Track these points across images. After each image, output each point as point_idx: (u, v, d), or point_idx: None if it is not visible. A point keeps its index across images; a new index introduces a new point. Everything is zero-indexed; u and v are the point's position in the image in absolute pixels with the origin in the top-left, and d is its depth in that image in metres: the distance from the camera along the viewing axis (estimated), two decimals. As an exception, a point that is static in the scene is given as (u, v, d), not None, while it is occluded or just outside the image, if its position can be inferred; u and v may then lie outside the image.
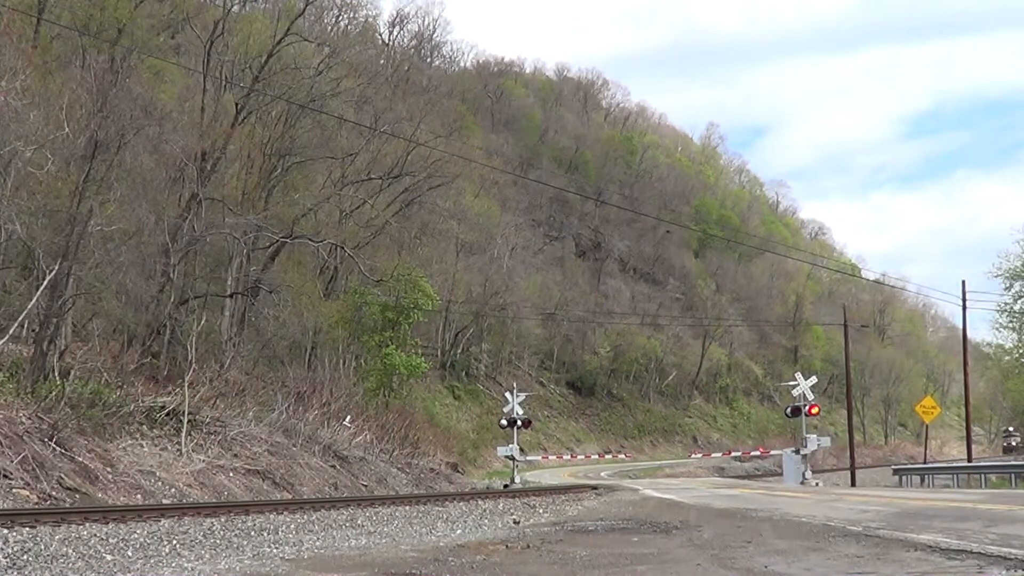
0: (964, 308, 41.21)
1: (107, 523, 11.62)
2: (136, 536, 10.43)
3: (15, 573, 7.86)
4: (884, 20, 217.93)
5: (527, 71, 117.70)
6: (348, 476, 24.62)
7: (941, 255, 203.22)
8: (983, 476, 32.31)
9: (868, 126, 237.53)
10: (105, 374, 20.54)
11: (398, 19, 79.96)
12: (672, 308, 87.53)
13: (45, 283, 20.22)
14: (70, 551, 9.09)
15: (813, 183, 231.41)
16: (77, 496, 15.20)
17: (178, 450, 19.32)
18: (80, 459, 16.21)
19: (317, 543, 10.61)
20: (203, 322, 27.79)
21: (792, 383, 31.68)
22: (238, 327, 34.76)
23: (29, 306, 20.38)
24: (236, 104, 35.50)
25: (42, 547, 9.23)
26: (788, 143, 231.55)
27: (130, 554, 9.20)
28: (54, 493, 14.75)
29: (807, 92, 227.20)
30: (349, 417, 29.37)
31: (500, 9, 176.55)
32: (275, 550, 9.78)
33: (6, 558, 8.49)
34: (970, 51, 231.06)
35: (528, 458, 39.94)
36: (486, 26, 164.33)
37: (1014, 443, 61.52)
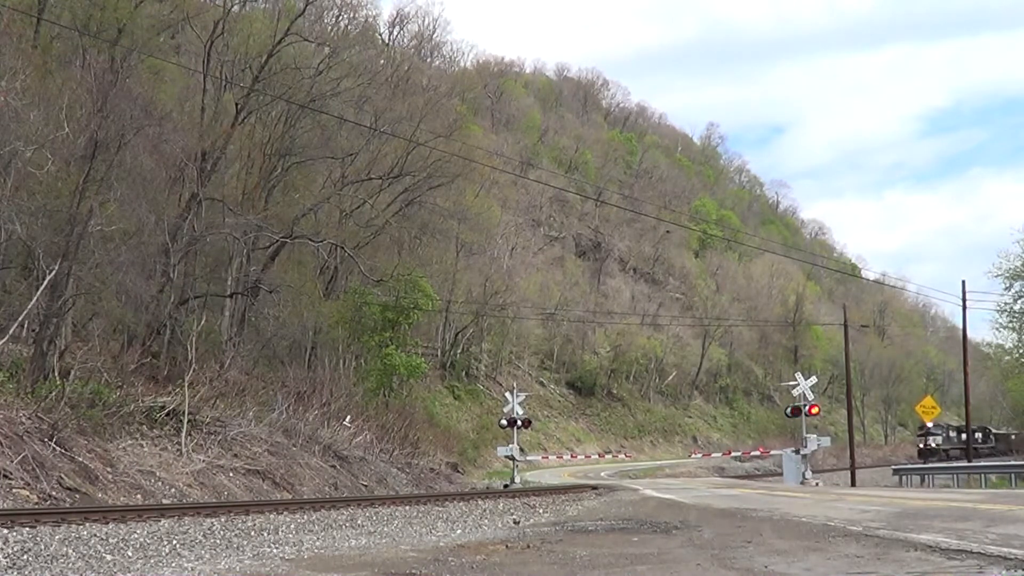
0: (964, 308, 41.27)
1: (107, 523, 11.62)
2: (136, 536, 10.43)
3: (15, 573, 7.86)
4: (908, 17, 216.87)
5: (527, 71, 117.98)
6: (348, 476, 24.63)
7: (952, 254, 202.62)
8: (983, 476, 32.41)
9: (886, 124, 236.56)
10: (105, 374, 20.53)
11: (398, 19, 79.78)
12: (672, 308, 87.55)
13: (45, 283, 20.22)
14: (70, 551, 9.09)
15: (828, 181, 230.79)
16: (77, 496, 15.20)
17: (178, 450, 19.32)
18: (80, 459, 16.21)
19: (317, 543, 10.61)
20: (203, 322, 27.78)
21: (792, 383, 31.68)
22: (238, 327, 34.74)
23: (29, 306, 20.38)
24: (236, 104, 35.45)
25: (42, 547, 9.22)
26: (805, 141, 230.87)
27: (130, 554, 9.20)
28: (54, 493, 14.75)
29: (826, 89, 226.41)
30: (349, 417, 29.39)
31: (500, 9, 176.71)
32: (275, 550, 9.78)
33: (6, 558, 8.49)
34: (991, 48, 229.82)
35: (528, 458, 39.93)
36: (486, 26, 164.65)
37: (933, 444, 51.05)
